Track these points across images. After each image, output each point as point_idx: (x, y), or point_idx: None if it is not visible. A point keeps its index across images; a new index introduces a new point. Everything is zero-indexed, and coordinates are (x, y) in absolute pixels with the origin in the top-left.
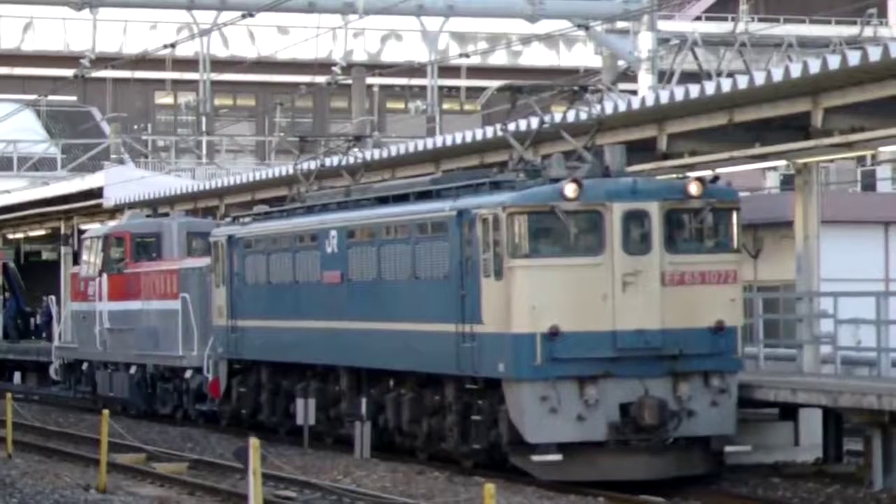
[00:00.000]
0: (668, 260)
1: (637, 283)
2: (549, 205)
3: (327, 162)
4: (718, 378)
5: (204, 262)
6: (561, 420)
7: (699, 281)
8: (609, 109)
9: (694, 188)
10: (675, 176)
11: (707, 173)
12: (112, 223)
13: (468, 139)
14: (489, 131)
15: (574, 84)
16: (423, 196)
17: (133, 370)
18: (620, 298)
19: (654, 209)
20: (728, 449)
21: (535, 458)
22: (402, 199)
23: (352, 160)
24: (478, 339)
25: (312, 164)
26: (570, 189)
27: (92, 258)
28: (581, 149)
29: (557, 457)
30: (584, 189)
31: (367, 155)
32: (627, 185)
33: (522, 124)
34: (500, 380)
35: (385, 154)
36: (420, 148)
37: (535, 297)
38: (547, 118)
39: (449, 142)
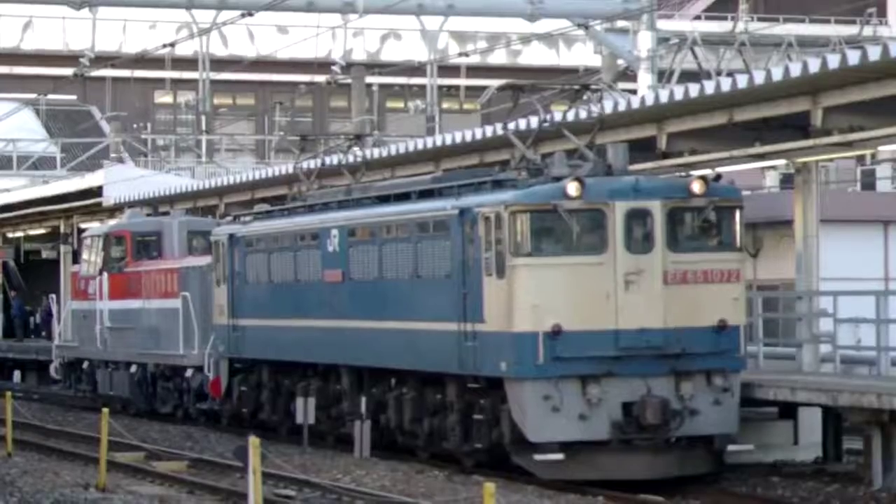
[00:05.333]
0: (671, 259)
1: (639, 281)
2: (551, 203)
3: (327, 161)
4: (721, 377)
5: (204, 260)
6: (563, 419)
7: (702, 280)
8: (609, 108)
9: (697, 187)
10: (677, 174)
11: (707, 172)
12: (112, 222)
13: (468, 138)
14: (489, 130)
15: (576, 83)
16: (425, 195)
17: (133, 369)
18: (623, 297)
19: (656, 208)
20: (730, 448)
21: (538, 457)
22: (403, 197)
23: (352, 159)
24: (480, 337)
25: (312, 163)
26: (572, 188)
27: (92, 257)
28: (583, 147)
29: (560, 456)
30: (586, 188)
31: (368, 154)
32: (630, 184)
33: (523, 123)
34: (502, 379)
35: (385, 153)
36: (420, 147)
37: (537, 296)
38: (548, 117)
39: (449, 141)
